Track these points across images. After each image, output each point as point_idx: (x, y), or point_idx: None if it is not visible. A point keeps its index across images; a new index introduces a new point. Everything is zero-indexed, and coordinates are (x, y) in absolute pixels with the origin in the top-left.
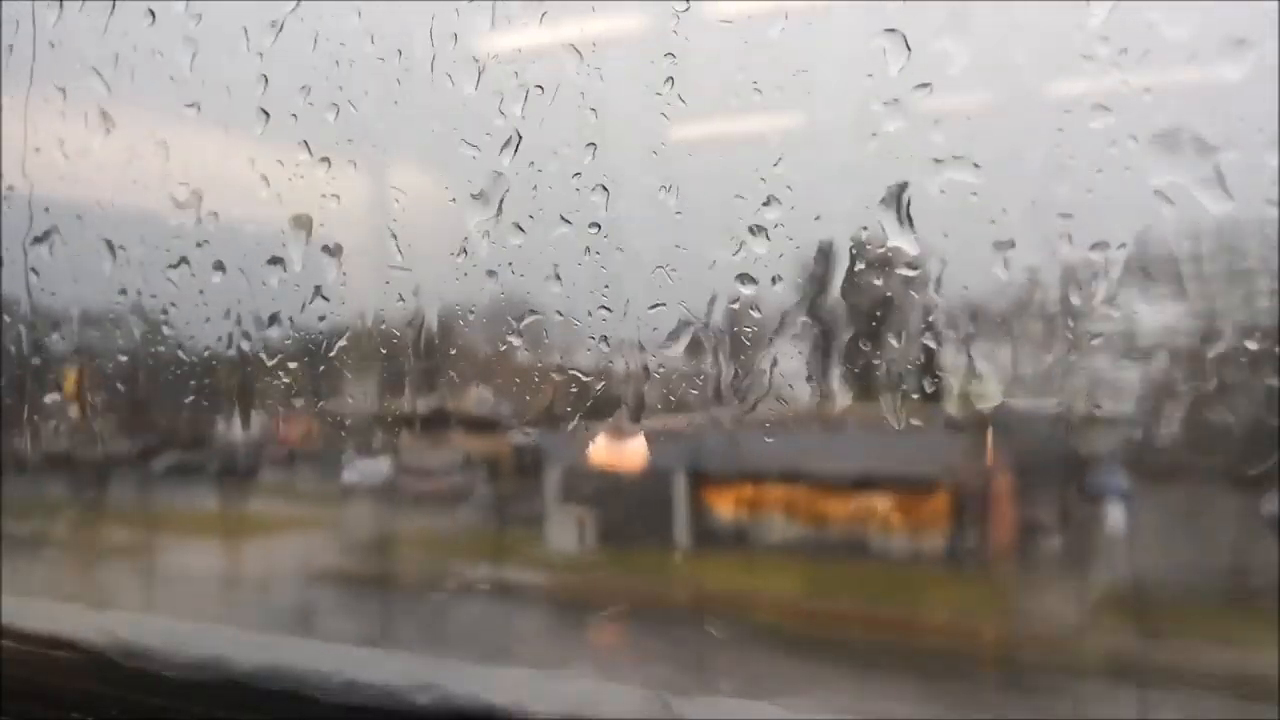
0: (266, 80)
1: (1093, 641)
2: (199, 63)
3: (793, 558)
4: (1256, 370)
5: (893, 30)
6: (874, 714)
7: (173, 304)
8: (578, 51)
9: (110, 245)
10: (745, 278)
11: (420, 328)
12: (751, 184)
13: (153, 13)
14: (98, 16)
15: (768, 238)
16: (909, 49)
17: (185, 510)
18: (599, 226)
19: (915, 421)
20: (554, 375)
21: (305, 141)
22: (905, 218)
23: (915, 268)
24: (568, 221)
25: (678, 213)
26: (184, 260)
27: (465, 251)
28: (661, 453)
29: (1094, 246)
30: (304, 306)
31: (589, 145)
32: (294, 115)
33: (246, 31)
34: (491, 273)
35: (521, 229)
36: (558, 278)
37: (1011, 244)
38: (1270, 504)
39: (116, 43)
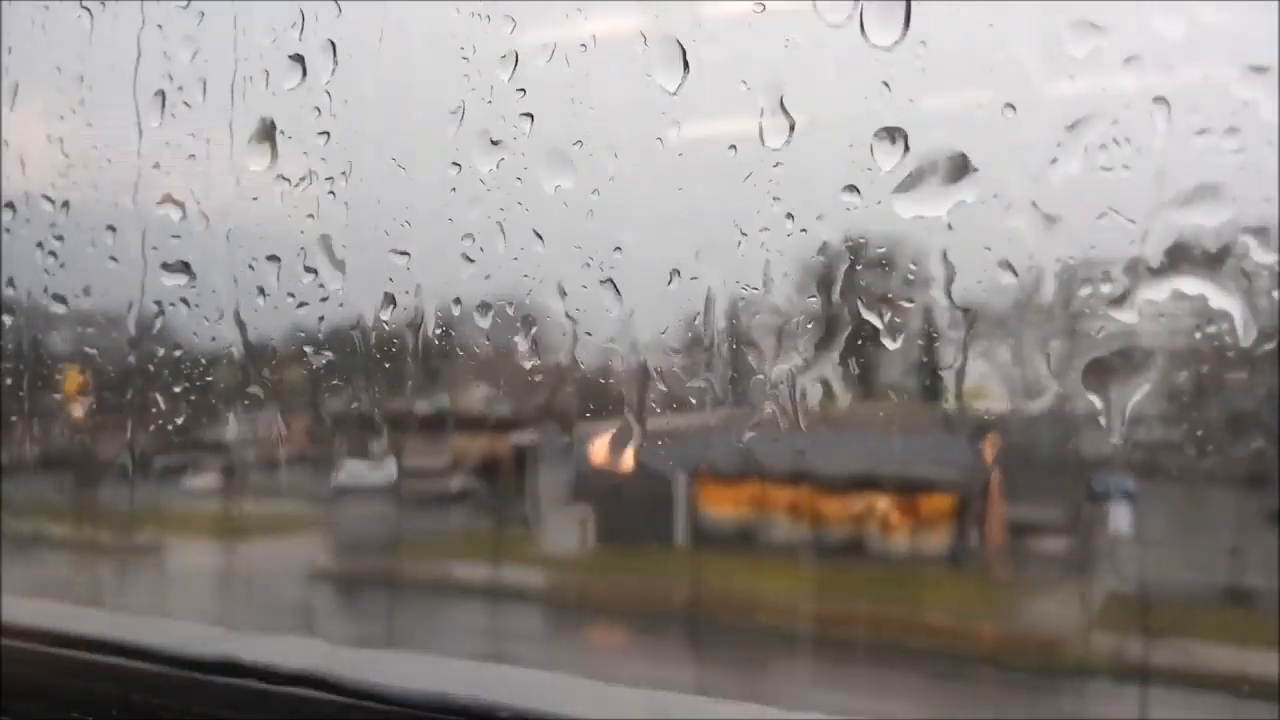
0: (267, 78)
1: (1098, 641)
2: (198, 62)
3: (790, 558)
4: (1257, 370)
5: (891, 31)
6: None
7: (171, 303)
8: (578, 51)
9: (111, 245)
10: (746, 277)
11: (419, 328)
12: (751, 183)
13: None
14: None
15: (768, 237)
16: (908, 49)
17: (182, 510)
18: (598, 226)
19: (916, 423)
20: (555, 376)
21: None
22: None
23: (914, 267)
24: (567, 221)
25: (677, 212)
26: (183, 263)
27: (464, 252)
28: (663, 453)
29: (1095, 247)
30: (304, 306)
31: (587, 145)
32: (292, 114)
33: (245, 32)
34: (487, 276)
35: (520, 229)
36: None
37: (1012, 244)
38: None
39: (114, 41)
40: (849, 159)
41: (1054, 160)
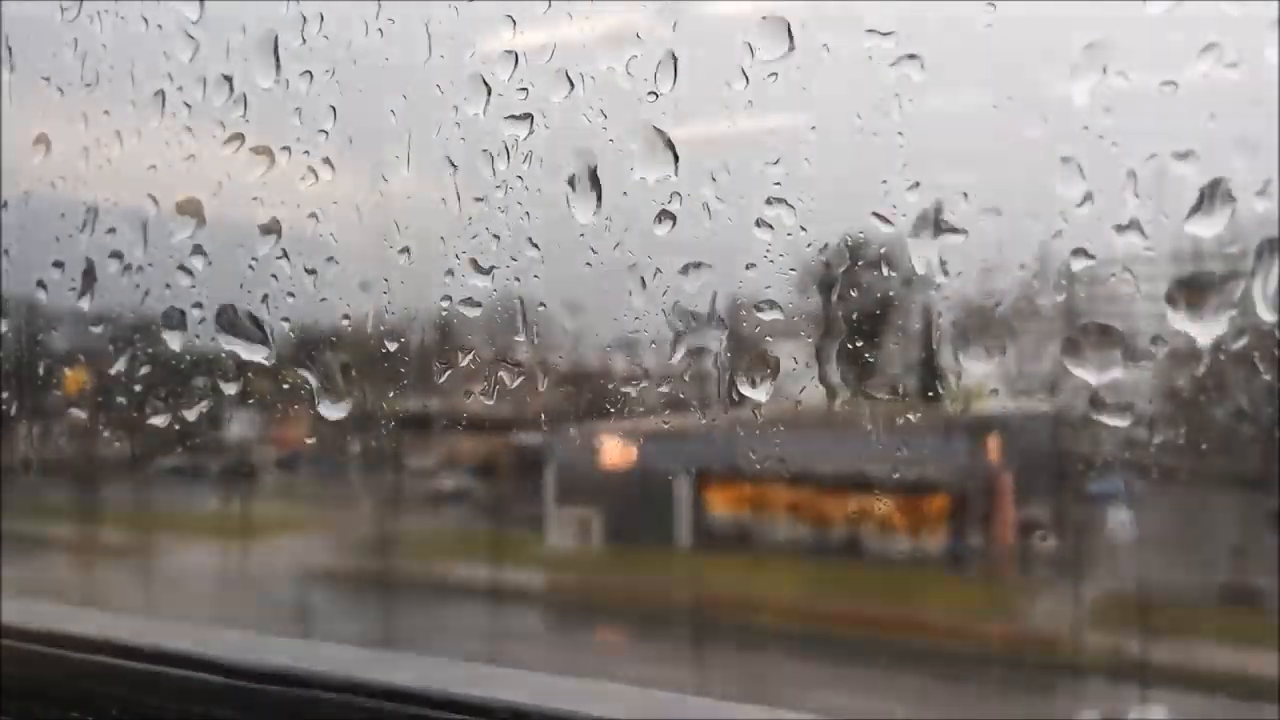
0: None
1: (1095, 642)
2: (197, 61)
3: (791, 558)
4: (1254, 371)
5: (890, 32)
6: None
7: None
8: (576, 52)
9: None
10: (747, 277)
11: (420, 328)
12: (751, 184)
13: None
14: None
15: (768, 237)
16: (905, 48)
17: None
18: (598, 225)
19: (915, 423)
20: (555, 376)
21: (303, 140)
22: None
23: (914, 268)
24: (567, 222)
25: (674, 192)
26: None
27: (463, 251)
28: (663, 453)
29: (1093, 248)
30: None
31: (587, 145)
32: (293, 115)
33: (244, 30)
34: (485, 272)
35: (519, 228)
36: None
37: (1012, 245)
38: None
39: (113, 39)
40: (849, 158)
41: (1056, 158)
